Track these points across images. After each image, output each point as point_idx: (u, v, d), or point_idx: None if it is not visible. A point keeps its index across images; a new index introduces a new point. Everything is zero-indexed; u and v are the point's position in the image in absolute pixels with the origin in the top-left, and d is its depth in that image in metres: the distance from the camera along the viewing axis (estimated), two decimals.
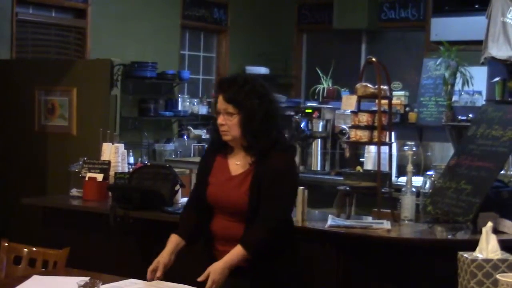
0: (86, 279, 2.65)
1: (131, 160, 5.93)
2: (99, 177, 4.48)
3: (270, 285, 2.98)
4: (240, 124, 2.92)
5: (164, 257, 3.00)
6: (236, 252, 2.88)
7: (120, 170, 4.60)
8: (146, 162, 6.52)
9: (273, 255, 2.95)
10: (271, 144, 2.95)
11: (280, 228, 2.97)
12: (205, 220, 3.05)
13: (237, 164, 3.01)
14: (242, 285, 2.94)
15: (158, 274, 2.95)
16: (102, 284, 2.66)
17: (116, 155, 4.66)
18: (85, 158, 4.62)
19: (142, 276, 3.03)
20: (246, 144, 2.97)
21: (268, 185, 2.91)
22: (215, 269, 2.85)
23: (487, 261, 2.34)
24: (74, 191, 4.62)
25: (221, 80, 3.06)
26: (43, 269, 3.35)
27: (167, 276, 3.00)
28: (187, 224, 3.09)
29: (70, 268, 3.27)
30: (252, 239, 2.90)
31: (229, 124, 2.94)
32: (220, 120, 2.95)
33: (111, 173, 4.52)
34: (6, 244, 3.43)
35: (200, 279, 2.84)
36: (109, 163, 4.55)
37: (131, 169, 4.80)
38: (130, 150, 6.15)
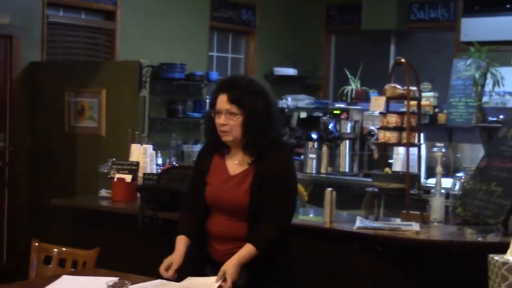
0: (115, 279, 2.67)
1: (160, 161, 5.95)
2: (128, 178, 4.50)
3: (268, 277, 2.98)
4: (243, 124, 2.94)
5: (177, 259, 3.00)
6: (247, 250, 2.90)
7: (148, 171, 4.63)
8: (174, 163, 6.55)
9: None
10: (268, 144, 2.97)
11: (288, 225, 3.01)
12: (201, 220, 3.06)
13: (235, 163, 3.03)
14: (240, 278, 2.93)
15: (170, 273, 2.95)
16: (130, 285, 2.68)
17: (145, 156, 4.69)
18: (114, 159, 4.66)
19: None
20: (245, 143, 2.98)
21: (271, 184, 2.93)
22: (230, 267, 2.86)
23: None
24: (103, 192, 4.66)
25: (224, 81, 3.06)
26: (73, 269, 3.37)
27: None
28: (190, 224, 3.09)
29: (99, 268, 3.29)
30: (262, 237, 2.93)
31: (232, 125, 2.94)
32: (222, 120, 2.95)
33: (140, 174, 4.55)
34: (37, 244, 3.46)
35: (217, 280, 2.85)
36: (137, 164, 4.58)
37: (159, 170, 4.82)
38: (159, 151, 6.18)
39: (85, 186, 5.83)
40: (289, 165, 3.05)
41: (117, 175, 4.53)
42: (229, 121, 2.94)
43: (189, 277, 2.96)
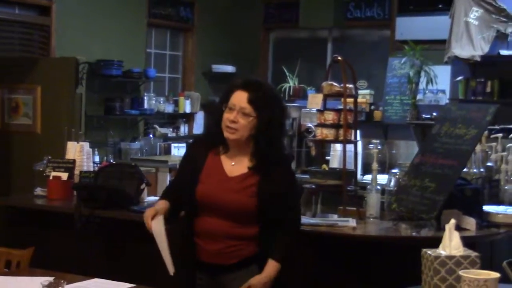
0: (50, 279, 2.63)
1: (97, 159, 5.89)
2: (64, 176, 4.44)
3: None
4: (255, 127, 2.90)
5: (163, 207, 2.97)
6: (273, 267, 2.94)
7: (85, 169, 4.57)
8: (111, 161, 6.49)
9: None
10: (280, 153, 2.99)
11: (299, 234, 3.09)
12: (188, 219, 3.03)
13: (232, 165, 2.99)
14: (251, 271, 2.96)
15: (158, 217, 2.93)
16: (66, 284, 2.64)
17: (81, 154, 4.62)
18: (50, 157, 4.58)
19: (107, 275, 3.01)
20: (255, 149, 2.94)
21: (279, 193, 2.94)
22: (258, 282, 2.90)
23: (450, 257, 2.37)
24: (39, 190, 4.57)
25: (248, 80, 3.00)
26: (6, 270, 3.31)
27: (134, 277, 2.99)
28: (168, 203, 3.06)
29: (34, 268, 3.23)
30: (282, 251, 2.96)
31: (241, 124, 2.90)
32: (232, 116, 2.90)
33: (76, 172, 4.49)
34: None
35: None
36: (74, 162, 4.51)
37: (96, 168, 4.76)
38: (96, 149, 6.12)
39: (19, 184, 5.72)
40: (294, 176, 3.11)
41: (53, 173, 4.46)
42: (240, 119, 2.89)
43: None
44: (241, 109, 2.90)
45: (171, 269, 2.88)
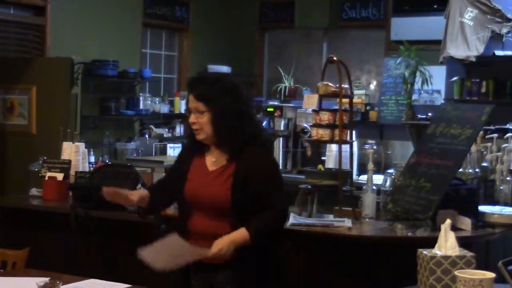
0: (46, 279, 2.63)
1: (92, 159, 5.88)
2: (59, 176, 4.43)
3: (253, 277, 3.00)
4: (211, 121, 2.97)
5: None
6: (241, 232, 2.92)
7: (80, 169, 4.57)
8: (107, 161, 6.48)
9: (259, 247, 2.99)
10: (245, 141, 2.99)
11: (285, 217, 3.08)
12: (183, 218, 3.08)
13: (213, 161, 3.07)
14: (226, 278, 2.97)
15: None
16: (62, 285, 2.64)
17: (77, 154, 4.62)
18: (45, 157, 4.58)
19: (103, 276, 3.01)
20: (217, 140, 3.01)
21: (256, 182, 2.96)
22: (221, 240, 2.89)
23: (446, 257, 2.37)
24: (34, 191, 4.57)
25: (191, 79, 3.10)
26: (2, 270, 3.30)
27: (129, 277, 2.98)
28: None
29: (29, 268, 3.23)
30: (257, 225, 2.94)
31: (200, 122, 2.99)
32: (192, 118, 3.01)
33: (72, 172, 4.49)
34: None
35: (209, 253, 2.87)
36: (69, 162, 4.51)
37: (92, 168, 4.76)
38: (91, 149, 6.10)
39: (15, 185, 5.72)
40: (270, 159, 3.11)
41: (48, 174, 4.45)
42: (198, 119, 2.99)
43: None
44: (195, 109, 3.01)
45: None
